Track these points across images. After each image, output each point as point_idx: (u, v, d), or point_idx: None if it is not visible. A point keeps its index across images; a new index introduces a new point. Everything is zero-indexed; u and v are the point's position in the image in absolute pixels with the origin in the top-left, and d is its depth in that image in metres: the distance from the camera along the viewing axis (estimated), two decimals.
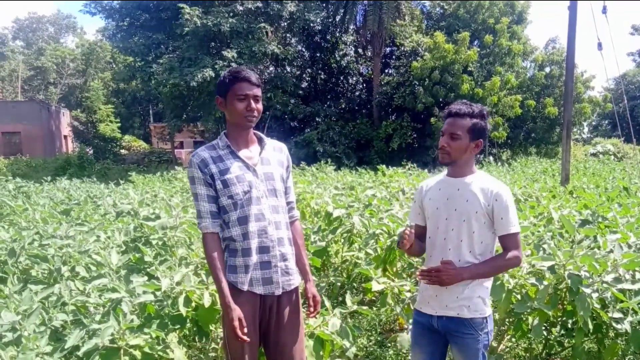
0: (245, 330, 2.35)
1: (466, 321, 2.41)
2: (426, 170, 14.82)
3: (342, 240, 5.46)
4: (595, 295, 3.08)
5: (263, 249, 2.45)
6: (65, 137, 39.21)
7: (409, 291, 3.87)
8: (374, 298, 5.12)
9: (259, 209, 2.44)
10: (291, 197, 2.70)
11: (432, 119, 23.37)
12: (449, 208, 2.44)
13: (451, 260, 2.37)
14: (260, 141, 2.59)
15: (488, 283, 2.47)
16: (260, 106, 2.47)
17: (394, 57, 29.47)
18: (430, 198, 2.55)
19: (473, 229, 2.39)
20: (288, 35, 28.27)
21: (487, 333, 2.45)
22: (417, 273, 2.54)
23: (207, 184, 2.43)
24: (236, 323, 2.33)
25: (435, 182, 2.60)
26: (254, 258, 2.42)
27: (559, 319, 3.57)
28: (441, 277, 2.34)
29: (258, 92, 2.45)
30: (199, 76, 22.15)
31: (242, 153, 2.49)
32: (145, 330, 2.83)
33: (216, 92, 2.51)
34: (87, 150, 32.95)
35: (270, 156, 2.56)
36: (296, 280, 2.56)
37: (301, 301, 2.67)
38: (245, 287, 2.41)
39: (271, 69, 27.66)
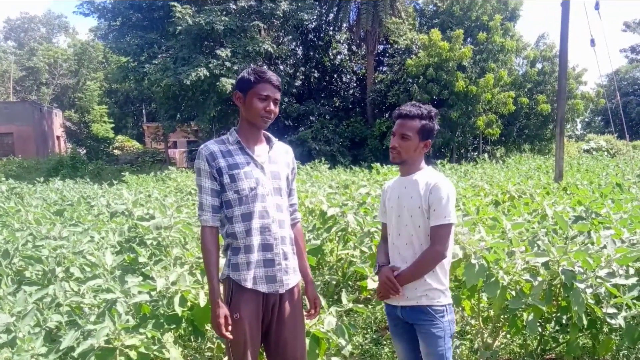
0: (230, 328, 2.38)
1: (425, 309, 2.51)
2: None
3: (337, 238, 5.47)
4: (589, 290, 3.10)
5: (266, 247, 2.45)
6: (57, 137, 39.01)
7: None
8: (369, 296, 5.13)
9: (264, 206, 2.45)
10: (294, 199, 2.74)
11: None
12: (400, 205, 2.58)
13: (391, 278, 2.53)
14: (269, 141, 2.62)
15: (443, 275, 2.55)
16: (277, 110, 2.52)
17: (387, 54, 29.47)
18: (388, 198, 2.71)
19: (418, 223, 2.51)
20: (281, 33, 28.23)
21: (450, 322, 2.55)
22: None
23: (212, 177, 2.45)
24: (221, 320, 2.36)
25: (393, 182, 2.76)
26: (256, 255, 2.43)
27: (554, 315, 3.58)
28: (385, 292, 2.57)
29: (278, 95, 2.50)
30: (193, 75, 22.07)
31: (252, 150, 2.52)
32: (141, 330, 2.82)
33: (235, 86, 2.54)
34: (80, 150, 32.78)
35: (277, 156, 2.60)
36: (293, 280, 2.56)
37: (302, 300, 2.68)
38: (249, 285, 2.41)
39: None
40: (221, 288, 2.53)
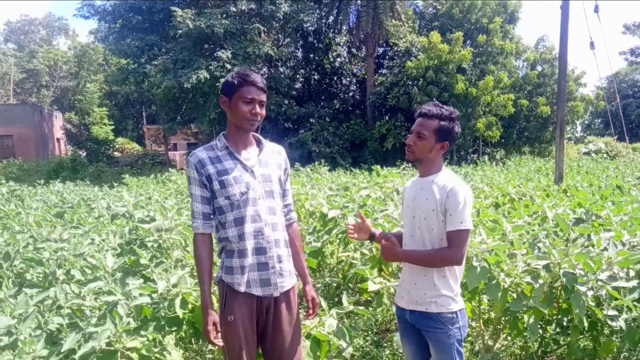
0: (219, 335, 2.42)
1: (434, 316, 2.47)
2: None
3: (338, 240, 5.47)
4: (590, 293, 3.10)
5: (260, 250, 2.45)
6: (58, 139, 39.03)
7: None
8: (369, 298, 5.13)
9: (256, 210, 2.44)
10: (289, 200, 2.72)
11: None
12: (415, 207, 2.54)
13: (394, 240, 2.50)
14: (259, 143, 2.60)
15: (454, 281, 2.50)
16: (263, 111, 2.50)
17: (387, 57, 29.51)
18: (405, 197, 2.68)
19: (432, 226, 2.45)
20: (281, 36, 28.29)
21: (460, 328, 2.49)
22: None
23: (202, 185, 2.44)
24: (210, 327, 2.39)
25: (410, 182, 2.72)
26: (250, 259, 2.43)
27: (555, 317, 3.58)
28: (382, 253, 2.53)
29: (264, 97, 2.48)
30: (193, 78, 22.09)
31: (241, 154, 2.50)
32: (142, 332, 2.82)
33: (221, 91, 2.52)
34: (80, 153, 32.80)
35: (268, 158, 2.57)
36: (289, 282, 2.56)
37: (298, 302, 2.68)
38: (242, 289, 2.42)
39: (265, 70, 27.62)
40: (216, 290, 2.53)
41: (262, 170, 2.51)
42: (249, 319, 2.44)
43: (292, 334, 2.56)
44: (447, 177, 2.49)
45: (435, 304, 2.46)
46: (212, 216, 2.49)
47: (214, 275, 2.57)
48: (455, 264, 2.44)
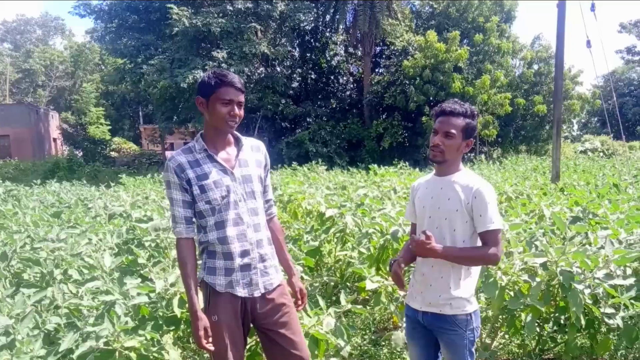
0: (210, 339, 2.37)
1: (449, 318, 2.43)
2: (417, 169, 14.89)
3: (335, 239, 5.47)
4: (587, 291, 3.11)
5: (243, 253, 2.43)
6: (54, 139, 38.99)
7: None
8: (367, 297, 5.12)
9: (237, 213, 2.42)
10: (269, 195, 2.69)
11: (423, 118, 23.49)
12: (433, 206, 2.47)
13: (431, 235, 2.36)
14: (238, 142, 2.54)
15: (469, 283, 2.46)
16: (242, 112, 2.43)
17: (384, 56, 29.54)
18: (418, 197, 2.59)
19: (454, 227, 2.39)
20: (278, 35, 28.27)
21: (473, 330, 2.45)
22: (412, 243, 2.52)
23: (182, 189, 2.40)
24: (201, 333, 2.34)
25: (424, 181, 2.64)
26: (232, 262, 2.41)
27: (552, 315, 3.59)
28: (417, 248, 2.38)
29: (242, 98, 2.42)
30: (189, 77, 22.07)
31: (220, 156, 2.45)
32: (140, 332, 2.82)
33: (197, 92, 2.45)
34: (77, 152, 32.75)
35: (248, 157, 2.52)
36: (276, 279, 2.55)
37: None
38: (223, 289, 2.42)
39: (261, 69, 27.60)
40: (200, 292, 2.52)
41: (242, 171, 2.47)
42: (234, 319, 2.43)
43: (293, 326, 2.55)
44: (469, 176, 2.44)
45: (450, 306, 2.42)
46: (193, 220, 2.46)
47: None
48: (494, 263, 2.42)
